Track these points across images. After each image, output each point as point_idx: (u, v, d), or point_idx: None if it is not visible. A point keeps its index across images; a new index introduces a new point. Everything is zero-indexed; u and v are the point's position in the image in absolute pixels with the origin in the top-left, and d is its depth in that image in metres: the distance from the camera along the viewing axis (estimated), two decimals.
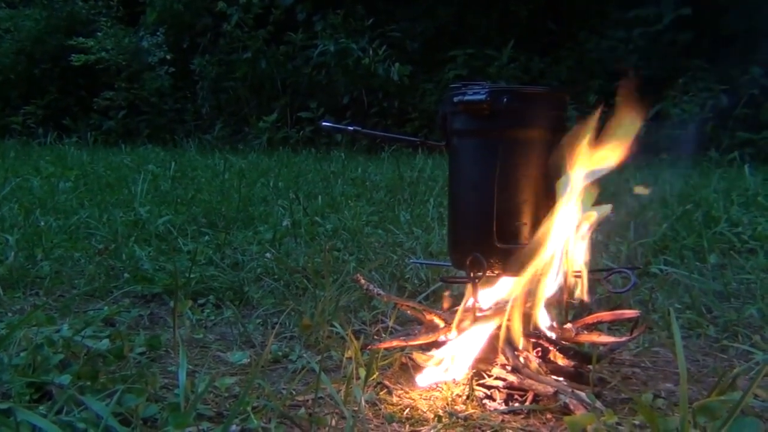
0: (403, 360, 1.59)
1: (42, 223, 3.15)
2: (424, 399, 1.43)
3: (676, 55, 7.65)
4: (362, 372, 1.43)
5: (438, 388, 1.47)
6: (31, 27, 9.91)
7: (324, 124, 1.84)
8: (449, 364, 1.49)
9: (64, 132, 8.87)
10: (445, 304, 1.66)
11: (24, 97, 9.69)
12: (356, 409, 1.26)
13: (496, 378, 1.45)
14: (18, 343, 1.50)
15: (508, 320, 1.46)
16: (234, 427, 1.20)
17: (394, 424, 1.31)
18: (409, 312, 1.74)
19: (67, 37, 9.46)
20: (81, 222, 3.19)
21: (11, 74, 9.89)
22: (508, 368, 1.44)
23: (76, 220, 3.21)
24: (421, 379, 1.49)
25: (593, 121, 1.37)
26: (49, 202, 3.76)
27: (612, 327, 1.88)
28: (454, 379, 1.47)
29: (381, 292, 1.75)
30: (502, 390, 1.43)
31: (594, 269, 1.59)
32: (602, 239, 2.72)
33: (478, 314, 1.47)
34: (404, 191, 4.25)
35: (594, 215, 1.43)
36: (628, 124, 1.36)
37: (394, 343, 1.61)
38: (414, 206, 3.74)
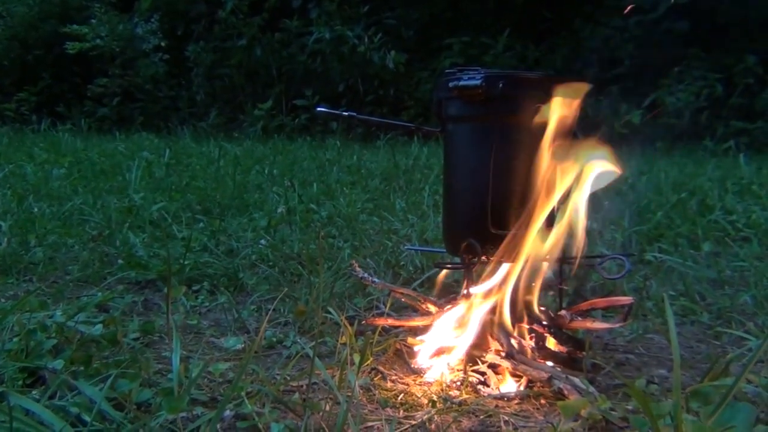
0: (397, 346, 1.60)
1: (35, 210, 3.14)
2: (419, 384, 1.43)
3: (671, 44, 7.64)
4: (356, 358, 1.43)
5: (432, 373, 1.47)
6: (24, 13, 9.83)
7: (319, 109, 1.83)
8: (443, 348, 1.49)
9: (57, 119, 8.81)
10: (439, 291, 1.66)
11: (17, 84, 9.61)
12: (350, 394, 1.26)
13: (490, 364, 1.45)
14: (11, 328, 1.49)
15: (502, 306, 1.46)
16: (228, 412, 1.20)
17: (389, 409, 1.31)
18: (403, 300, 1.74)
19: (61, 23, 9.38)
20: (75, 208, 3.18)
21: (4, 61, 9.82)
22: (502, 354, 1.44)
23: (69, 206, 3.20)
24: (419, 362, 1.50)
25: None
26: (43, 188, 3.75)
27: (606, 314, 1.88)
28: (448, 364, 1.48)
29: (376, 280, 1.75)
30: (496, 375, 1.43)
31: (589, 255, 1.59)
32: (597, 227, 2.73)
33: (473, 300, 1.47)
34: (399, 179, 4.25)
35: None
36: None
37: (389, 321, 1.62)
38: (409, 193, 3.74)
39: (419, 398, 1.36)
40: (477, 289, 1.49)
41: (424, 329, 1.58)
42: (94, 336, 1.56)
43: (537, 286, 1.53)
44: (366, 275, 1.75)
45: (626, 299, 1.50)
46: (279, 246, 2.57)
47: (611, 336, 1.78)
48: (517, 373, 1.41)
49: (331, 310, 1.76)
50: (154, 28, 9.40)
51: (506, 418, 1.26)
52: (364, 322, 1.68)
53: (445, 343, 1.50)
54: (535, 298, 1.52)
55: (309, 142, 7.09)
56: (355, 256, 2.35)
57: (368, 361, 1.50)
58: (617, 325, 1.50)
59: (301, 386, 1.37)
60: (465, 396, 1.36)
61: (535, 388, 1.38)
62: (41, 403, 1.11)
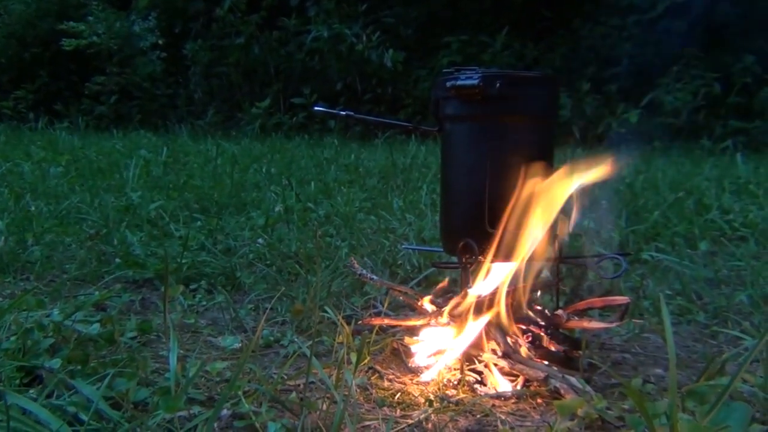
0: (395, 345, 1.60)
1: (33, 208, 3.13)
2: (416, 384, 1.43)
3: (669, 43, 7.64)
4: (354, 357, 1.43)
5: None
6: (21, 11, 9.82)
7: (317, 108, 1.83)
8: (441, 348, 1.50)
9: (55, 117, 8.80)
10: (437, 289, 1.66)
11: (14, 82, 9.60)
12: (347, 393, 1.26)
13: (487, 364, 1.45)
14: (8, 327, 1.49)
15: (499, 305, 1.46)
16: (225, 411, 1.20)
17: (386, 408, 1.31)
18: (401, 298, 1.74)
19: (58, 21, 9.37)
20: (72, 207, 3.17)
21: (2, 58, 9.82)
22: (499, 353, 1.44)
23: (67, 205, 3.19)
24: (416, 361, 1.50)
25: None
26: (40, 187, 3.74)
27: (603, 313, 1.89)
28: (445, 364, 1.48)
29: (374, 277, 1.75)
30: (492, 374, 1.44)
31: (585, 255, 1.60)
32: (594, 226, 2.73)
33: (469, 299, 1.47)
34: (397, 178, 4.24)
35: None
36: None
37: (386, 320, 1.62)
38: (407, 192, 3.74)
39: (416, 397, 1.36)
40: (474, 289, 1.49)
41: (421, 328, 1.58)
42: (91, 335, 1.56)
43: (533, 285, 1.53)
44: (364, 272, 1.75)
45: (623, 299, 1.51)
46: (276, 245, 2.57)
47: (608, 335, 1.78)
48: (514, 372, 1.41)
49: (328, 309, 1.76)
50: (151, 26, 9.39)
51: (503, 417, 1.26)
52: (360, 321, 1.68)
53: (442, 342, 1.50)
54: (531, 297, 1.52)
55: (307, 140, 7.08)
56: (353, 255, 2.35)
57: (365, 361, 1.50)
58: (614, 325, 1.50)
59: (298, 385, 1.37)
60: (462, 395, 1.36)
61: (532, 388, 1.38)
62: (38, 402, 1.11)
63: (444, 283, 1.69)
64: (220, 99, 9.14)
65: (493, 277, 1.48)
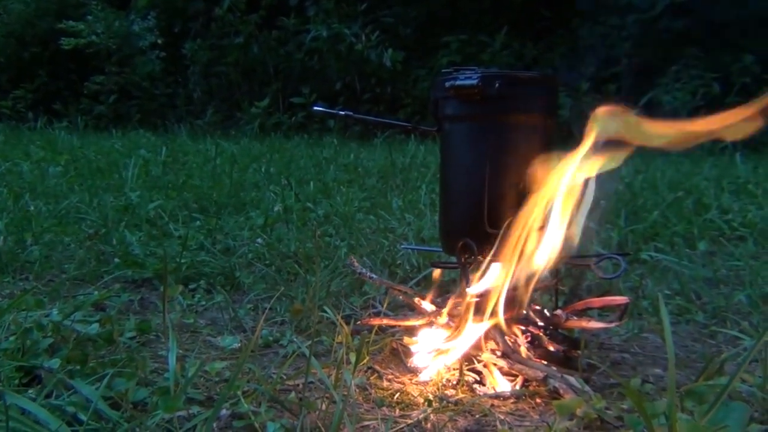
0: (394, 345, 1.60)
1: (32, 208, 3.13)
2: (415, 384, 1.43)
3: (669, 42, 7.64)
4: (353, 357, 1.43)
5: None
6: (20, 10, 9.81)
7: (316, 108, 1.83)
8: (440, 348, 1.50)
9: (54, 116, 8.79)
10: (435, 290, 1.66)
11: (13, 81, 9.60)
12: (346, 393, 1.27)
13: (486, 363, 1.45)
14: (7, 327, 1.49)
15: (498, 305, 1.46)
16: (224, 411, 1.20)
17: (385, 408, 1.31)
18: (400, 297, 1.74)
19: (57, 20, 9.37)
20: (71, 207, 3.17)
21: (1, 58, 9.80)
22: (498, 353, 1.44)
23: (66, 204, 3.19)
24: (416, 361, 1.50)
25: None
26: (39, 186, 3.74)
27: (602, 313, 1.89)
28: (444, 363, 1.48)
29: (373, 275, 1.76)
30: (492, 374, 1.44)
31: (584, 255, 1.60)
32: (593, 226, 2.73)
33: (469, 299, 1.47)
34: (396, 177, 4.24)
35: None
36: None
37: (385, 321, 1.62)
38: (406, 192, 3.74)
39: (415, 397, 1.36)
40: (473, 289, 1.49)
41: (420, 328, 1.58)
42: (90, 335, 1.56)
43: (533, 285, 1.53)
44: (363, 270, 1.75)
45: (622, 299, 1.51)
46: (275, 245, 2.57)
47: (607, 335, 1.78)
48: (513, 372, 1.42)
49: (327, 309, 1.76)
50: (150, 26, 9.39)
51: (502, 417, 1.26)
52: (360, 321, 1.68)
53: (441, 343, 1.50)
54: (530, 298, 1.52)
55: (306, 140, 7.08)
56: (352, 254, 2.35)
57: (364, 361, 1.50)
58: (613, 325, 1.50)
59: (298, 385, 1.37)
60: (461, 395, 1.36)
61: (531, 388, 1.38)
62: (37, 402, 1.11)
63: (437, 274, 1.69)
64: (219, 98, 9.14)
65: (492, 276, 1.48)
